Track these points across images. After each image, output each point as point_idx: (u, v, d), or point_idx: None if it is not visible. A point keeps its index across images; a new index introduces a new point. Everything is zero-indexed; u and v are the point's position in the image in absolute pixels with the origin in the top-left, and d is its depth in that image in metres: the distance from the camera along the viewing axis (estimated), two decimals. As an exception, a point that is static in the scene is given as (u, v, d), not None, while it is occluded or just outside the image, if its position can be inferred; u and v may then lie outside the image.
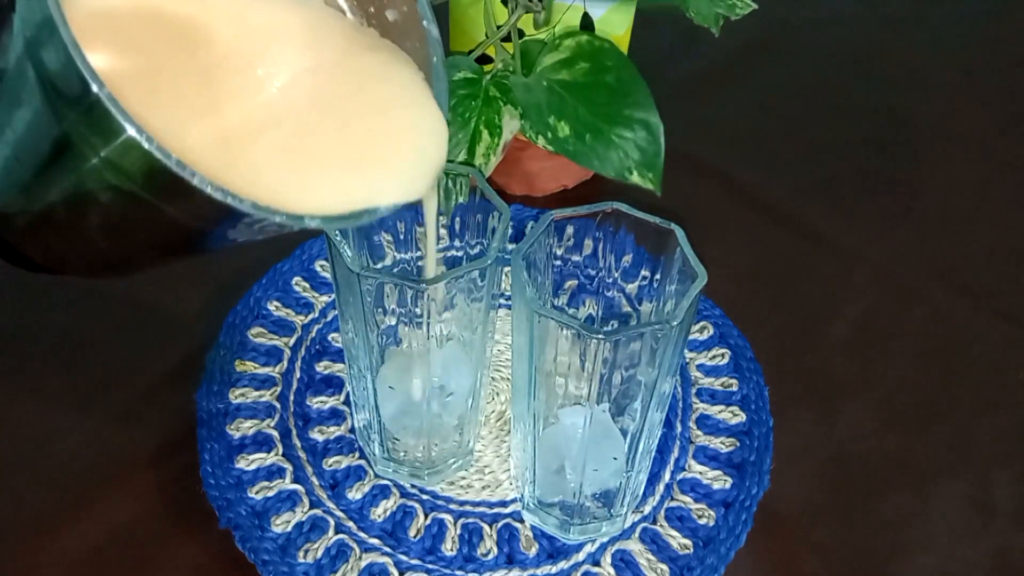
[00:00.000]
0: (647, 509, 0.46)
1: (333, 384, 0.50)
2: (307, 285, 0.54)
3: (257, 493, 0.45)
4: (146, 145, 0.26)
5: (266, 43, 0.33)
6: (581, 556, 0.44)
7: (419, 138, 0.34)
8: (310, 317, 0.53)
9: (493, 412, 0.49)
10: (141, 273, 0.37)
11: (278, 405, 0.48)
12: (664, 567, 0.43)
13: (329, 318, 0.53)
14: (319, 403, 0.49)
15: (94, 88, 0.25)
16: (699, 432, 0.49)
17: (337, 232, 0.38)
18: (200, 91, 0.31)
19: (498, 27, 0.52)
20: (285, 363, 0.50)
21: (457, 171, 0.42)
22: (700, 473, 0.47)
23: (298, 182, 0.31)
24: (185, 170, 0.26)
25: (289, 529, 0.44)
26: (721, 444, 0.48)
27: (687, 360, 0.52)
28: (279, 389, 0.49)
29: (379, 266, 0.45)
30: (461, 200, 0.43)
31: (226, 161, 0.30)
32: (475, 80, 0.50)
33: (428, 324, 0.39)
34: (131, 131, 0.26)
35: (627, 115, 0.49)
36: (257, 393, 0.49)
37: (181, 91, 0.31)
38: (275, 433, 0.47)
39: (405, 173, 0.33)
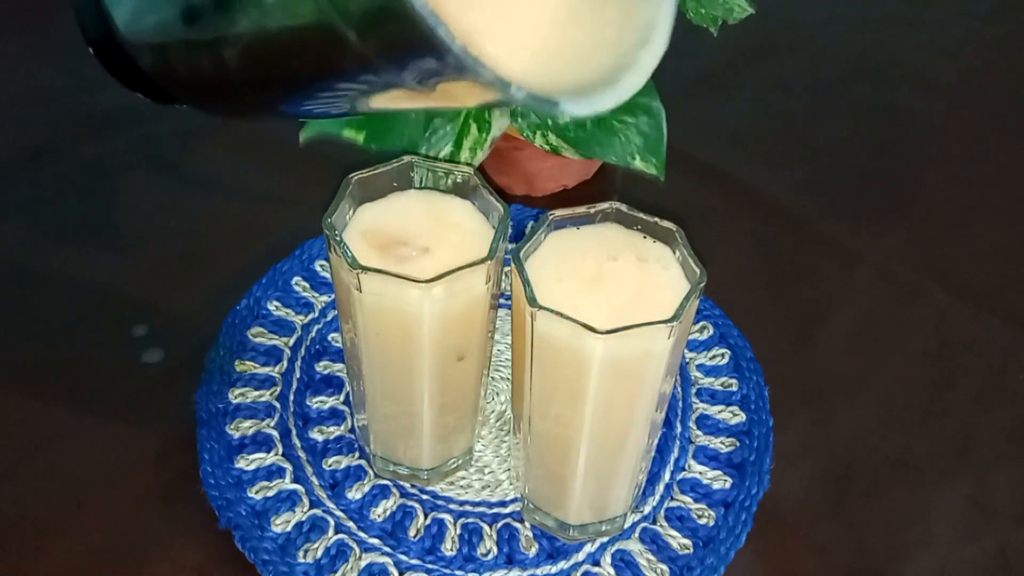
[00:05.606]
0: (647, 509, 0.46)
1: (333, 384, 0.50)
2: (307, 285, 0.54)
3: (257, 493, 0.45)
4: None
5: None
6: (581, 556, 0.44)
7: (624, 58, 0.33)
8: (310, 317, 0.53)
9: (493, 412, 0.49)
10: (239, 117, 0.35)
11: (278, 405, 0.48)
12: (664, 567, 0.43)
13: (329, 318, 0.53)
14: (319, 403, 0.49)
15: None
16: (699, 432, 0.49)
17: None
18: None
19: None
20: (285, 363, 0.50)
21: (456, 169, 0.42)
22: (700, 473, 0.47)
23: (509, 47, 0.29)
24: None
25: (289, 529, 0.44)
26: (721, 444, 0.48)
27: (687, 360, 0.52)
28: (279, 389, 0.49)
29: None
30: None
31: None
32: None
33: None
34: None
35: (628, 100, 0.49)
36: (257, 393, 0.49)
37: None
38: (275, 433, 0.47)
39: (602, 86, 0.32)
